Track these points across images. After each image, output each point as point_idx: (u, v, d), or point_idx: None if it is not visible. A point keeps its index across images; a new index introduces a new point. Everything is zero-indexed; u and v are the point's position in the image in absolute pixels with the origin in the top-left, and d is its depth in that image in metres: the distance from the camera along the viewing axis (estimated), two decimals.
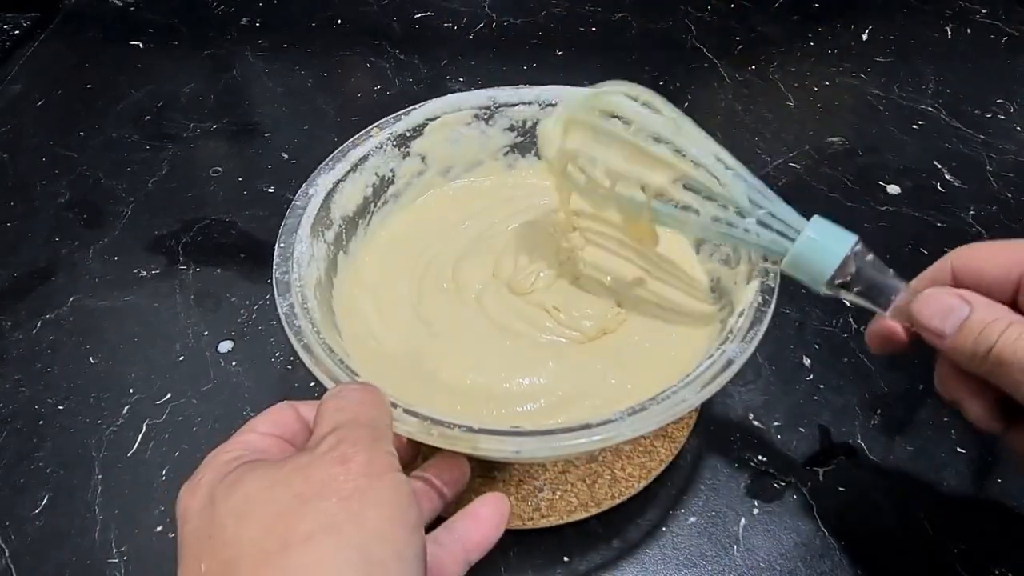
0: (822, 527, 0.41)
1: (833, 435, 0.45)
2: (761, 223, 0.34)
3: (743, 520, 0.41)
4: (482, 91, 0.48)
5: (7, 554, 0.41)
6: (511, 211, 0.48)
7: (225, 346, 0.50)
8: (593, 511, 0.41)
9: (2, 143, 0.67)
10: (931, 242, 0.56)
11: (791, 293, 0.52)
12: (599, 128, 0.37)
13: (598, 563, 0.40)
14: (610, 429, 0.31)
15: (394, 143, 0.46)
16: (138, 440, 0.45)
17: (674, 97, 0.70)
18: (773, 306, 0.35)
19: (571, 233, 0.46)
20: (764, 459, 0.44)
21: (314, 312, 0.36)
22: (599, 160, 0.37)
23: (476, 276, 0.44)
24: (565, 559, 0.40)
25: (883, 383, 0.47)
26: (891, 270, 0.33)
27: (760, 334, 0.34)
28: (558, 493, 0.41)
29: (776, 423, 0.45)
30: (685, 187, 0.36)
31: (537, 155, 0.50)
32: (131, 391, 0.48)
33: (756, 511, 0.42)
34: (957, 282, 0.32)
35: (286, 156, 0.65)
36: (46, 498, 0.43)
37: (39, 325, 0.52)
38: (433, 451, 0.33)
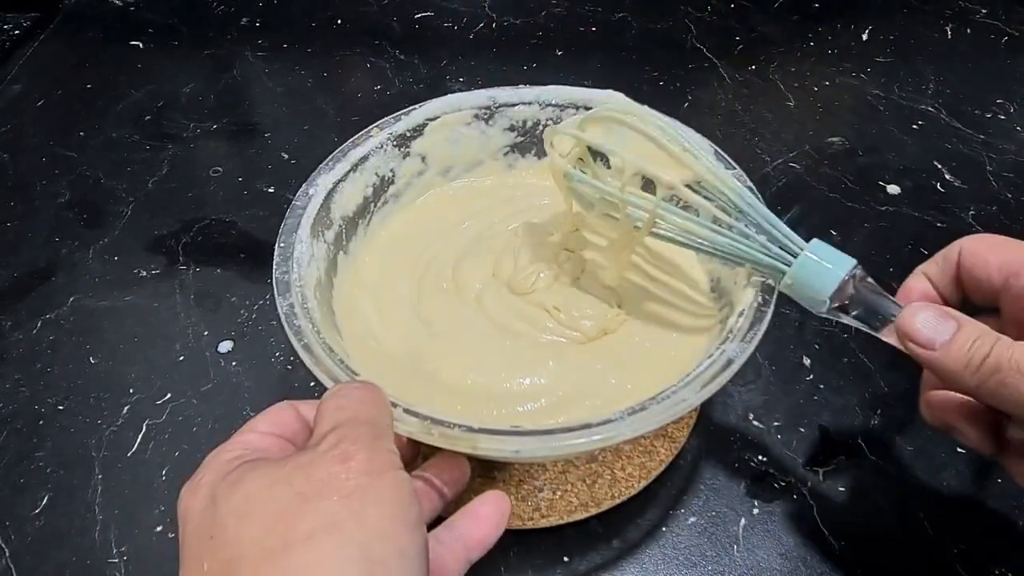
0: (822, 527, 0.41)
1: (833, 435, 0.45)
2: (761, 244, 0.34)
3: (743, 520, 0.41)
4: (482, 91, 0.48)
5: (7, 554, 0.41)
6: (511, 211, 0.48)
7: (225, 346, 0.50)
8: (593, 511, 0.41)
9: (2, 143, 0.67)
10: (931, 242, 0.56)
11: None
12: (619, 121, 0.37)
13: (598, 563, 0.40)
14: (610, 429, 0.31)
15: (394, 143, 0.46)
16: (138, 440, 0.45)
17: (674, 97, 0.71)
18: (773, 306, 0.35)
19: (573, 233, 0.46)
20: (764, 459, 0.44)
21: (314, 312, 0.36)
22: (616, 152, 0.37)
23: (476, 276, 0.44)
24: (565, 559, 0.40)
25: (883, 383, 0.47)
26: (888, 295, 0.32)
27: (760, 334, 0.34)
28: (558, 493, 0.41)
29: (776, 423, 0.45)
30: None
31: (537, 155, 0.50)
32: (131, 391, 0.48)
33: (756, 511, 0.42)
34: (961, 270, 0.32)
35: (286, 156, 0.65)
36: (46, 498, 0.43)
37: (39, 325, 0.52)
38: (433, 451, 0.33)
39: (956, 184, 0.61)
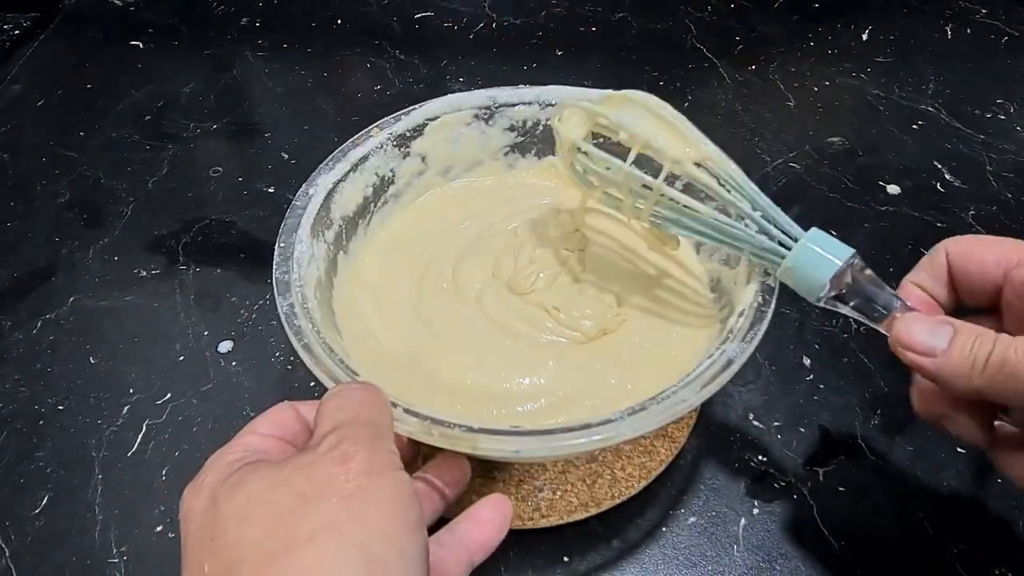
0: (822, 527, 0.41)
1: (833, 435, 0.45)
2: (761, 230, 0.35)
3: (743, 520, 0.41)
4: (482, 91, 0.48)
5: (7, 554, 0.41)
6: (511, 211, 0.48)
7: (225, 346, 0.50)
8: (593, 511, 0.41)
9: (2, 143, 0.67)
10: (931, 242, 0.55)
11: (791, 293, 0.52)
12: (631, 101, 0.37)
13: (598, 563, 0.40)
14: (610, 429, 0.31)
15: (394, 143, 0.46)
16: (138, 440, 0.45)
17: (674, 97, 0.70)
18: (773, 306, 0.35)
19: (573, 233, 0.46)
20: (764, 459, 0.44)
21: (314, 312, 0.36)
22: (626, 125, 0.37)
23: (476, 276, 0.44)
24: (565, 559, 0.40)
25: (883, 383, 0.47)
26: (888, 286, 0.32)
27: (760, 334, 0.34)
28: (558, 493, 0.41)
29: (776, 423, 0.45)
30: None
31: (537, 155, 0.50)
32: (131, 391, 0.48)
33: (756, 511, 0.42)
34: (953, 272, 0.32)
35: (286, 156, 0.65)
36: (46, 498, 0.43)
37: (39, 325, 0.52)
38: (433, 451, 0.33)
39: (956, 184, 0.61)
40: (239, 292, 0.54)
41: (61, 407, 0.47)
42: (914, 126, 0.67)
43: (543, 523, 0.40)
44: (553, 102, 0.48)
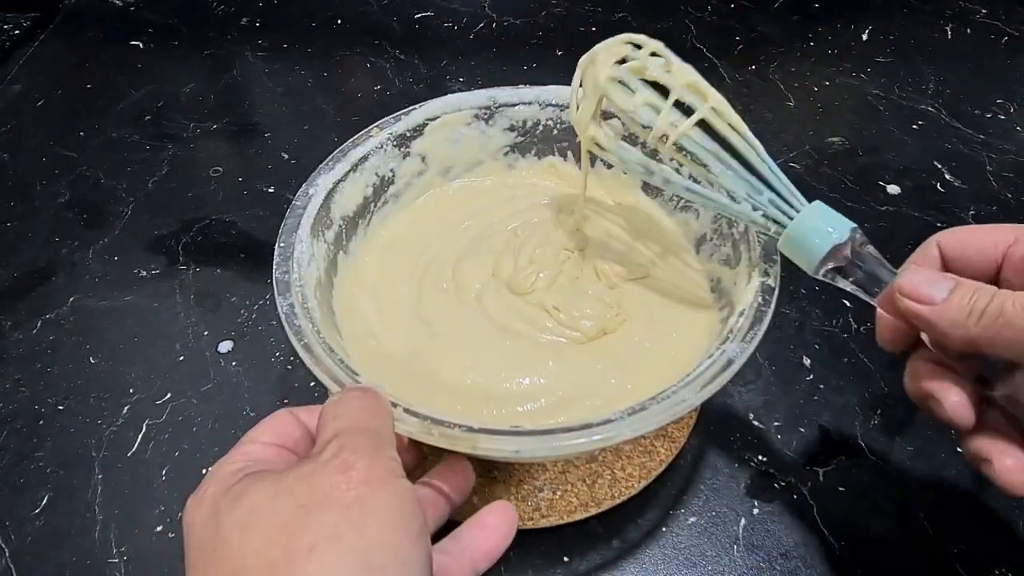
0: (822, 527, 0.41)
1: (833, 435, 0.45)
2: (768, 199, 0.35)
3: (743, 520, 0.41)
4: (482, 91, 0.48)
5: (7, 554, 0.41)
6: (511, 211, 0.48)
7: (225, 346, 0.50)
8: (593, 511, 0.41)
9: (2, 143, 0.67)
10: None
11: (791, 293, 0.52)
12: (661, 51, 0.37)
13: (598, 563, 0.40)
14: (610, 429, 0.31)
15: (394, 143, 0.46)
16: (138, 440, 0.45)
17: None
18: (773, 306, 0.35)
19: (573, 233, 0.46)
20: (764, 459, 0.44)
21: (314, 312, 0.36)
22: (671, 59, 0.37)
23: (476, 276, 0.44)
24: (565, 559, 0.40)
25: (883, 383, 0.47)
26: (887, 263, 0.33)
27: (760, 334, 0.34)
28: (558, 493, 0.41)
29: (776, 423, 0.45)
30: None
31: (537, 155, 0.50)
32: (131, 391, 0.48)
33: (756, 511, 0.42)
34: (946, 263, 0.32)
35: (286, 156, 0.65)
36: (46, 498, 0.43)
37: (39, 325, 0.52)
38: (436, 451, 0.33)
39: (956, 184, 0.61)
40: (239, 292, 0.54)
41: (61, 407, 0.47)
42: (914, 126, 0.67)
43: (543, 523, 0.40)
44: (553, 102, 0.48)
